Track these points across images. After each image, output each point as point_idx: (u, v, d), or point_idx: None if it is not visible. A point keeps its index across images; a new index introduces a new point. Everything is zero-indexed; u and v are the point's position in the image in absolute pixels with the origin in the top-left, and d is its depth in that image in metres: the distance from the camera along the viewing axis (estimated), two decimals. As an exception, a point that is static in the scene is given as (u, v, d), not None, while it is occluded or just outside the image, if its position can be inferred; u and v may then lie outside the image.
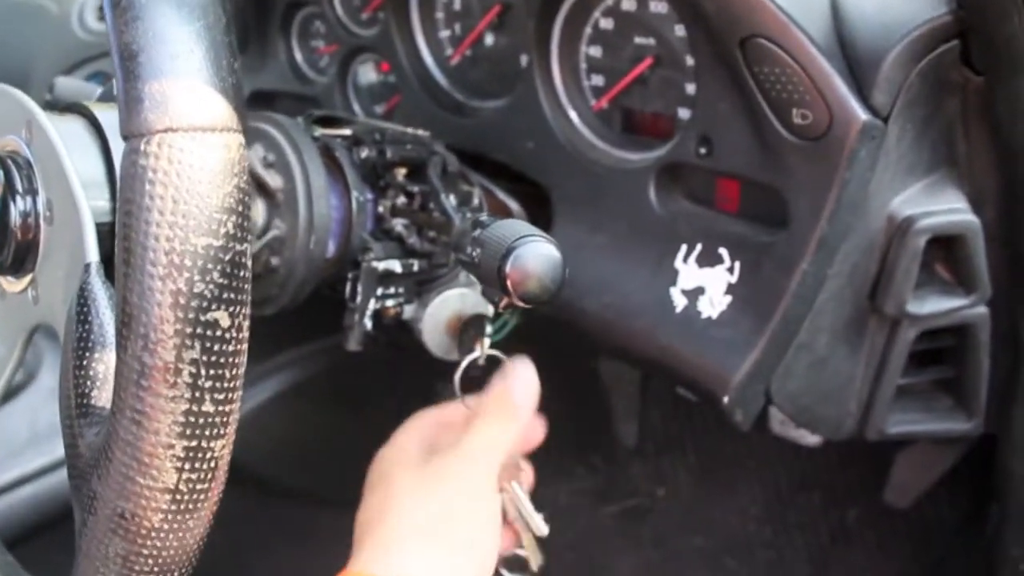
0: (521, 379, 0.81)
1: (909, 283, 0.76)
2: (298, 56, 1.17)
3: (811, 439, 1.23)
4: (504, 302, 0.59)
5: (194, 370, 0.40)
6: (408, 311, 0.83)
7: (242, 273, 0.41)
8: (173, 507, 0.43)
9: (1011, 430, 0.87)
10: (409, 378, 1.22)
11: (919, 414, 0.87)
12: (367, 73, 1.10)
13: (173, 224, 0.39)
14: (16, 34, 1.39)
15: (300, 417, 1.24)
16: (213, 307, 0.40)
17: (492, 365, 0.84)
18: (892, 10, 0.69)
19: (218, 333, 0.41)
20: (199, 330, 0.40)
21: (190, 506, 0.43)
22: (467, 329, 0.83)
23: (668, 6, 0.81)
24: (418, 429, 0.81)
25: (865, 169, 0.70)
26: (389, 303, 0.80)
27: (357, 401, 1.29)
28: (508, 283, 0.56)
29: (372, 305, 0.79)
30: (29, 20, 1.41)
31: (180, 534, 0.44)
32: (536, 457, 1.53)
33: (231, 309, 0.41)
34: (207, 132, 0.40)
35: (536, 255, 0.56)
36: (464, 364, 0.82)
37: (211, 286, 0.40)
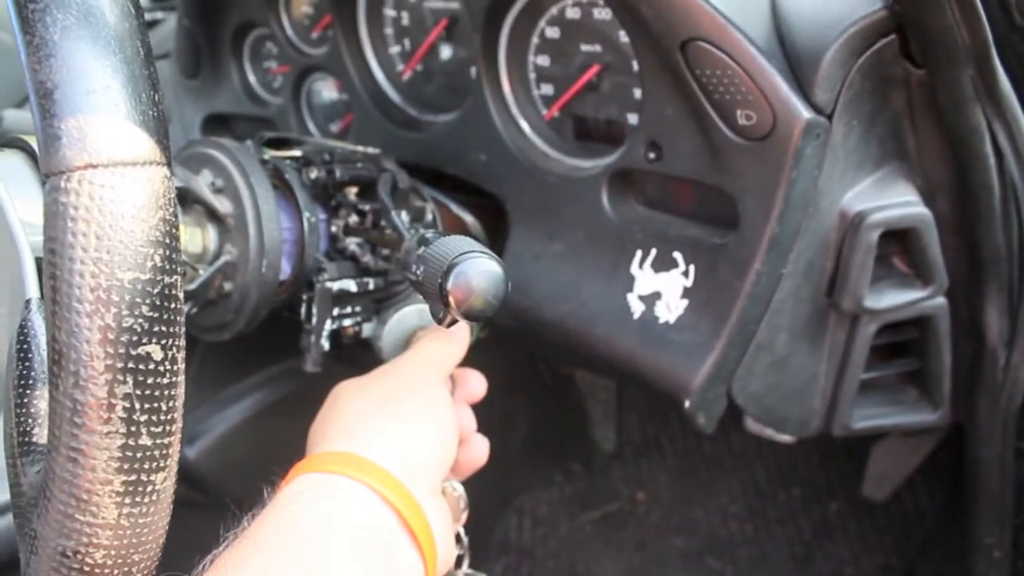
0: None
1: (865, 278, 0.76)
2: (251, 78, 1.16)
3: (785, 436, 1.24)
4: (448, 319, 0.58)
5: (128, 404, 0.40)
6: (367, 329, 0.82)
7: (173, 305, 0.41)
8: (116, 542, 0.42)
9: (977, 419, 0.87)
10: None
11: (885, 408, 0.88)
12: (328, 91, 1.10)
13: (97, 260, 0.38)
14: (-32, 66, 1.38)
15: (275, 437, 1.23)
16: (144, 341, 0.40)
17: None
18: (829, 8, 0.69)
19: (151, 367, 0.40)
20: (131, 364, 0.39)
21: (134, 540, 0.43)
22: (426, 345, 0.82)
23: (611, 13, 0.81)
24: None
25: (812, 167, 0.70)
26: (347, 322, 0.80)
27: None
28: (451, 300, 0.55)
29: (329, 325, 0.78)
30: (-19, 52, 1.40)
31: (125, 568, 0.43)
32: (515, 466, 1.51)
33: (163, 342, 0.40)
34: (128, 166, 0.39)
35: (478, 271, 0.55)
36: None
37: (140, 320, 0.39)
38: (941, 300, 0.81)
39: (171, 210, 0.41)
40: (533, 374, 1.57)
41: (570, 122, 0.89)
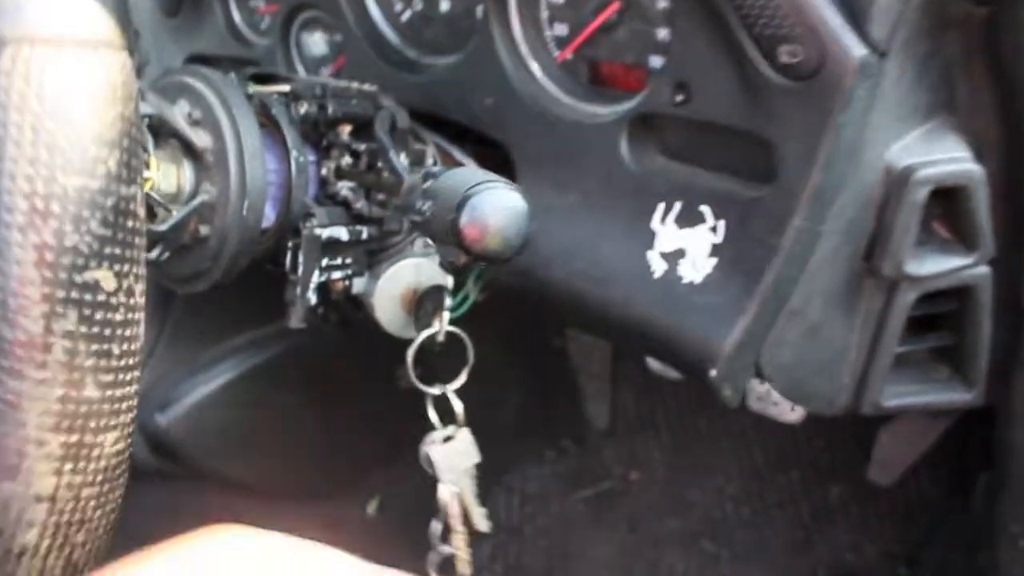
0: None
1: (908, 240, 0.71)
2: (236, 16, 1.10)
3: (790, 416, 1.19)
4: (463, 261, 0.52)
5: (69, 345, 0.32)
6: (358, 284, 0.76)
7: (131, 224, 0.33)
8: (52, 519, 0.35)
9: (1012, 399, 0.82)
10: (369, 360, 1.17)
11: (916, 385, 0.82)
12: (317, 46, 1.04)
13: (34, 160, 0.31)
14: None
15: (254, 406, 1.19)
16: (92, 264, 0.32)
17: (452, 343, 0.77)
18: (889, -69, 0.63)
19: (100, 298, 0.32)
20: (74, 294, 0.32)
21: (76, 517, 0.35)
22: (423, 303, 0.77)
23: (636, -59, 0.75)
24: None
25: (861, 112, 0.64)
26: (336, 275, 0.74)
27: (317, 387, 1.25)
28: (464, 238, 0.49)
29: (316, 278, 0.72)
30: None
31: (66, 551, 0.36)
32: (505, 442, 1.49)
33: (117, 267, 0.33)
34: (77, 46, 0.31)
35: (495, 204, 0.49)
36: (419, 341, 0.77)
37: (88, 238, 0.32)
38: (985, 269, 0.76)
39: (131, 107, 0.33)
40: (525, 346, 1.54)
41: (585, 65, 0.83)
